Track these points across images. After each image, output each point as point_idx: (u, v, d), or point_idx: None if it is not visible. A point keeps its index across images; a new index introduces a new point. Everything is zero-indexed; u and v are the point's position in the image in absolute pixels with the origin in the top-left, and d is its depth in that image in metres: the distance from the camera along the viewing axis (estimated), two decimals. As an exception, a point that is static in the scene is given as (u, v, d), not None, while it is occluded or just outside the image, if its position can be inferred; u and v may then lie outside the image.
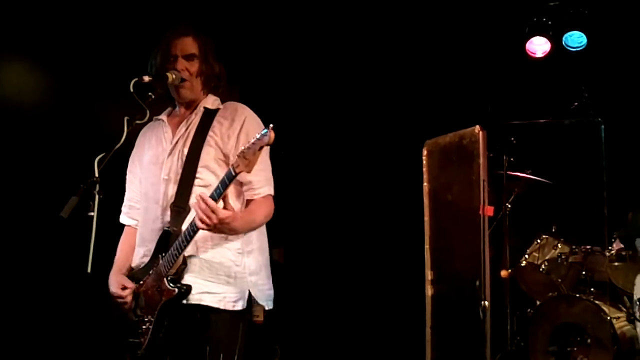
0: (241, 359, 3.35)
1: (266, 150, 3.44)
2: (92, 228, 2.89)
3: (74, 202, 2.90)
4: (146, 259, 3.43)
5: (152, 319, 3.32)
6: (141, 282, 3.43)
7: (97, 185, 2.96)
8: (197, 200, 3.11)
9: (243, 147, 3.01)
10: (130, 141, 3.21)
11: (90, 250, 2.88)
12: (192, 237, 3.21)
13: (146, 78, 3.29)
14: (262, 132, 2.97)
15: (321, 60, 6.29)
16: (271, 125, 2.97)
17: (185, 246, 3.22)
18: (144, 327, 3.35)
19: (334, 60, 6.30)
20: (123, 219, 3.69)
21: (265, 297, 3.47)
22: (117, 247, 3.65)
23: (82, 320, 2.99)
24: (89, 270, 2.86)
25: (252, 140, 2.99)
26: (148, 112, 3.25)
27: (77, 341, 3.11)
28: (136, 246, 3.52)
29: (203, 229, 3.14)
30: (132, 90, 3.19)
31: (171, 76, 3.38)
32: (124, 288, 3.42)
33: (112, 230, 3.58)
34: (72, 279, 3.15)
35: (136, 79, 3.23)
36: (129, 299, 3.41)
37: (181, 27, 3.49)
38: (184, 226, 3.29)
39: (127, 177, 3.68)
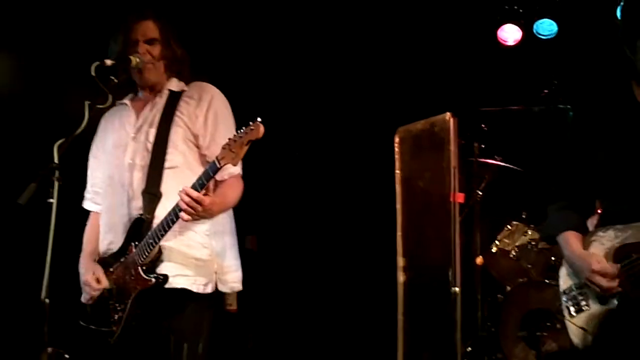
0: (207, 348, 3.34)
1: (231, 125, 3.43)
2: (52, 215, 2.86)
3: (33, 189, 2.88)
4: (114, 246, 3.40)
5: (124, 308, 3.30)
6: (111, 270, 3.40)
7: (57, 172, 2.93)
8: (181, 194, 3.09)
9: (229, 139, 3.00)
10: (92, 126, 3.17)
11: (50, 238, 2.85)
12: (170, 227, 3.19)
13: (108, 62, 3.26)
14: (251, 125, 2.96)
15: (290, 47, 6.27)
16: (259, 119, 2.96)
17: (163, 235, 3.20)
18: (116, 316, 3.33)
19: (304, 48, 6.28)
20: (87, 204, 3.65)
21: (232, 279, 3.46)
22: (84, 233, 3.62)
23: (42, 310, 2.98)
24: (48, 256, 2.83)
25: (239, 133, 2.98)
26: (110, 96, 3.23)
27: (36, 332, 3.10)
28: (102, 232, 3.50)
29: (188, 220, 3.14)
30: (93, 74, 3.17)
31: (135, 60, 3.36)
32: (98, 281, 3.39)
33: (73, 216, 3.54)
34: (31, 266, 3.12)
35: (98, 62, 3.21)
36: (98, 293, 3.39)
37: (141, 11, 3.46)
38: (157, 212, 3.29)
39: (90, 162, 3.64)
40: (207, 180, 3.11)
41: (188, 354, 3.28)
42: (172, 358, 3.27)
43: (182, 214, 3.12)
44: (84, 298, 3.46)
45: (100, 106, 3.20)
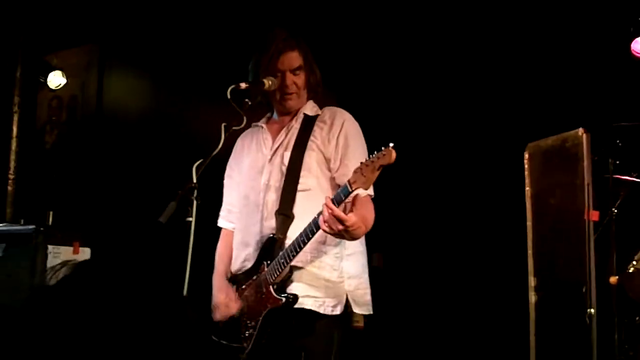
0: None
1: (362, 149, 3.45)
2: (191, 233, 2.95)
3: (173, 208, 2.97)
4: (247, 263, 3.48)
5: (255, 325, 3.37)
6: (243, 287, 3.48)
7: (195, 191, 3.01)
8: (324, 207, 3.11)
9: (361, 163, 3.03)
10: (228, 147, 3.26)
11: (188, 255, 2.94)
12: (302, 247, 3.25)
13: (243, 85, 3.35)
14: (383, 151, 2.97)
15: (419, 62, 6.25)
16: (392, 145, 2.97)
17: (294, 256, 3.26)
18: (247, 332, 3.40)
19: (433, 63, 6.25)
20: (221, 222, 3.77)
21: (363, 302, 3.47)
22: (216, 250, 3.72)
23: (180, 325, 3.08)
24: (187, 274, 2.91)
25: (371, 158, 3.00)
26: (245, 118, 3.31)
27: (175, 347, 3.21)
28: (236, 250, 3.58)
29: (327, 232, 3.15)
30: (229, 97, 3.26)
31: (267, 82, 3.43)
32: (229, 307, 3.48)
33: (210, 235, 3.65)
34: (171, 283, 3.22)
35: (233, 85, 3.29)
36: (232, 312, 3.46)
37: (284, 41, 3.51)
38: (289, 233, 3.35)
39: (225, 181, 3.75)
40: (338, 203, 3.13)
41: None
42: None
43: (321, 223, 3.13)
44: (214, 317, 3.55)
45: (236, 128, 3.28)
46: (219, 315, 3.52)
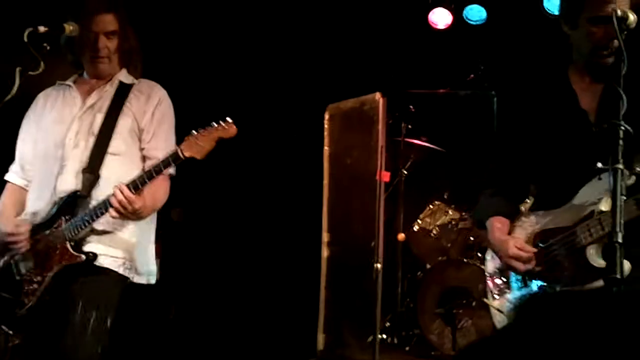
0: (113, 321, 3.32)
1: (173, 127, 3.47)
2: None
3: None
4: (38, 217, 3.36)
5: (42, 280, 3.26)
6: (32, 241, 3.36)
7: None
8: (115, 191, 3.10)
9: (197, 131, 3.02)
10: (22, 94, 3.13)
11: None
12: (104, 213, 3.19)
13: (42, 28, 3.19)
14: (223, 123, 2.98)
15: (223, 24, 6.24)
16: (230, 120, 2.98)
17: (99, 216, 3.20)
18: (30, 287, 3.27)
19: (235, 25, 6.26)
20: (10, 176, 3.58)
21: (148, 272, 3.48)
22: None
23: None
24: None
25: (209, 128, 3.01)
26: (42, 63, 3.19)
27: None
28: (29, 203, 3.45)
29: (115, 217, 3.17)
30: (26, 40, 3.13)
31: (68, 28, 3.30)
32: (19, 226, 3.33)
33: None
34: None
35: (31, 28, 3.16)
36: (23, 237, 3.32)
37: (102, 2, 3.40)
38: (93, 193, 3.29)
39: (21, 135, 3.57)
40: (164, 167, 3.13)
41: (94, 324, 3.25)
42: (77, 325, 3.22)
43: (111, 210, 3.15)
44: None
45: (32, 73, 3.15)
46: (14, 247, 3.37)
